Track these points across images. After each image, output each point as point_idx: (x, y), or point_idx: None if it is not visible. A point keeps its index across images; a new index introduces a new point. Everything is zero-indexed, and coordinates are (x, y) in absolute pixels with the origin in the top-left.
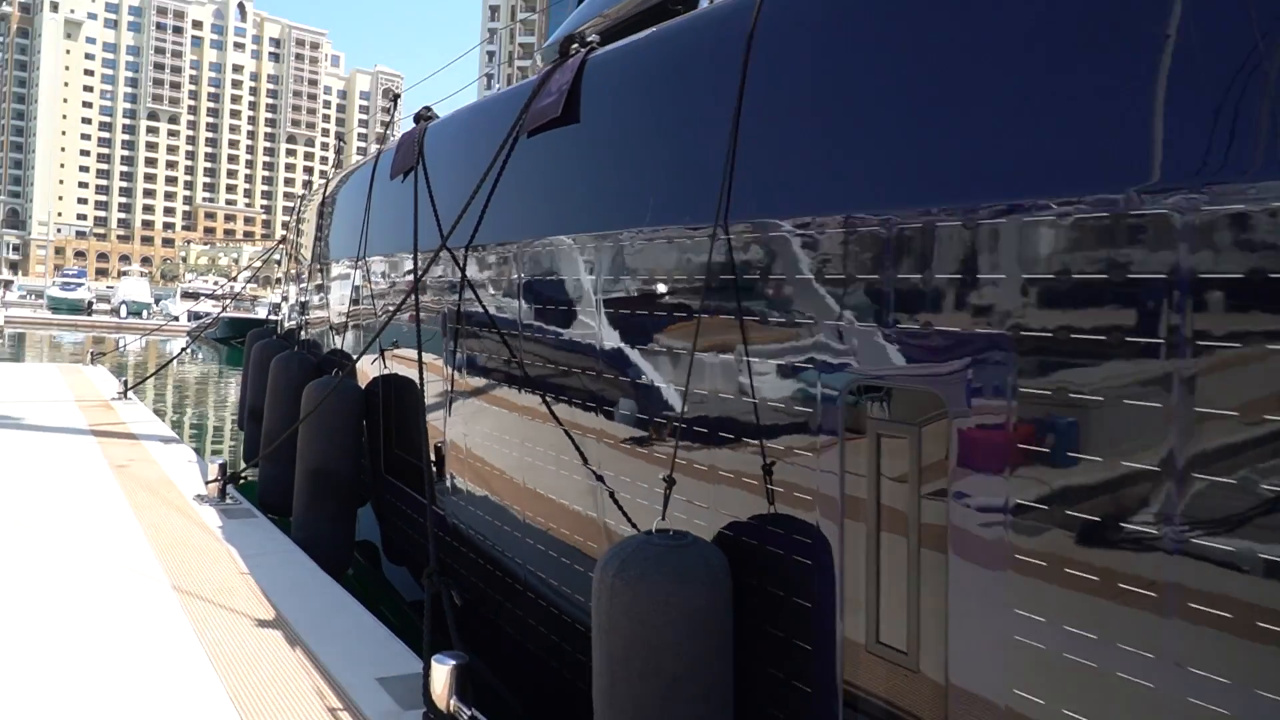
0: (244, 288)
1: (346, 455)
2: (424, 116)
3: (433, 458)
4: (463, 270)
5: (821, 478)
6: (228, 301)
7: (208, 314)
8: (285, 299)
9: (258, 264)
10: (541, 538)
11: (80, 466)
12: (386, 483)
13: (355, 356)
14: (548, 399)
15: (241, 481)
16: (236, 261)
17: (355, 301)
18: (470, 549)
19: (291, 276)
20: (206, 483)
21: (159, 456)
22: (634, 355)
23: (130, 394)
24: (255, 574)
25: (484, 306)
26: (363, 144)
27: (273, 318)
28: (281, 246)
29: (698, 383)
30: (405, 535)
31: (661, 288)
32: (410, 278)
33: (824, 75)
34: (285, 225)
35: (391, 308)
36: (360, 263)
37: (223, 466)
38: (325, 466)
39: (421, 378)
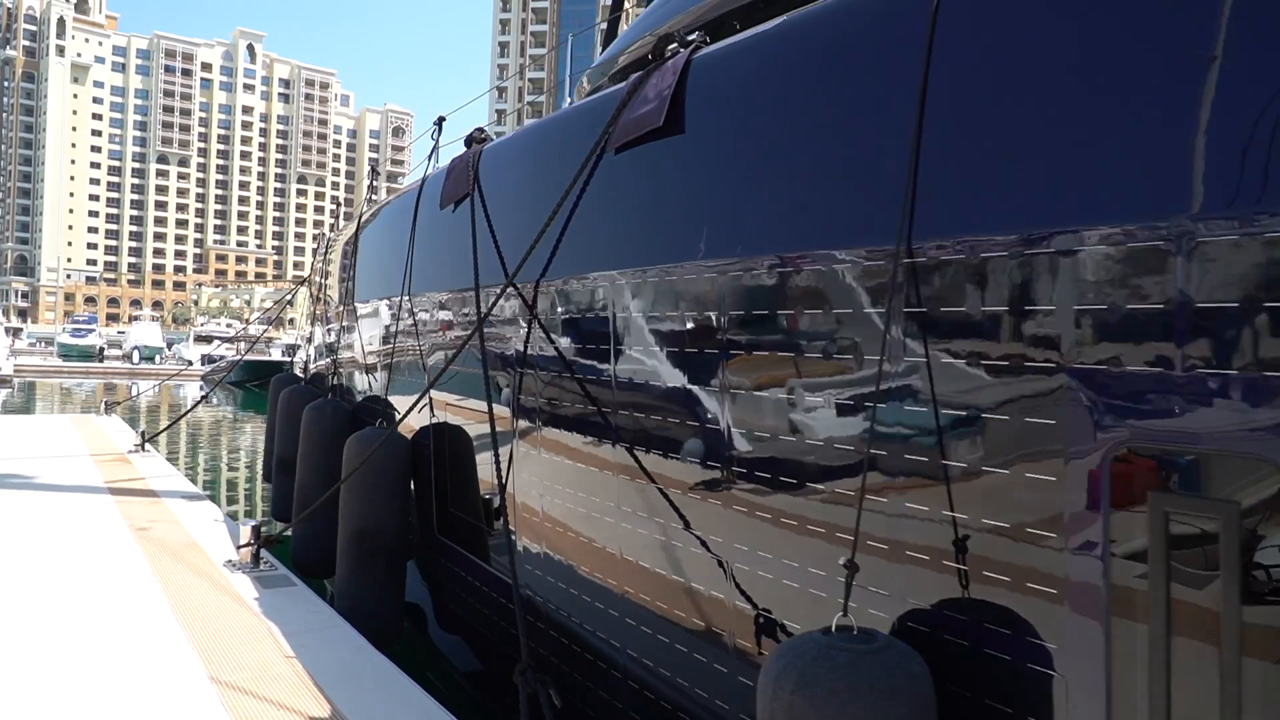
0: (260, 330)
1: (395, 514)
2: (477, 139)
3: (499, 518)
4: (532, 308)
5: (1074, 562)
6: (243, 344)
7: (222, 357)
8: (310, 341)
9: (277, 305)
10: (644, 616)
11: (97, 529)
12: (439, 544)
13: (405, 406)
14: (644, 455)
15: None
16: (248, 303)
17: (396, 343)
18: (548, 625)
19: (317, 317)
20: (238, 546)
21: (183, 516)
22: (776, 404)
23: (148, 445)
24: (301, 655)
25: (559, 349)
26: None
27: (290, 359)
28: (303, 287)
29: (884, 438)
30: (462, 602)
31: (814, 323)
32: (466, 316)
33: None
34: (311, 265)
35: (443, 349)
36: (402, 301)
37: (255, 529)
38: (372, 527)
39: (491, 428)
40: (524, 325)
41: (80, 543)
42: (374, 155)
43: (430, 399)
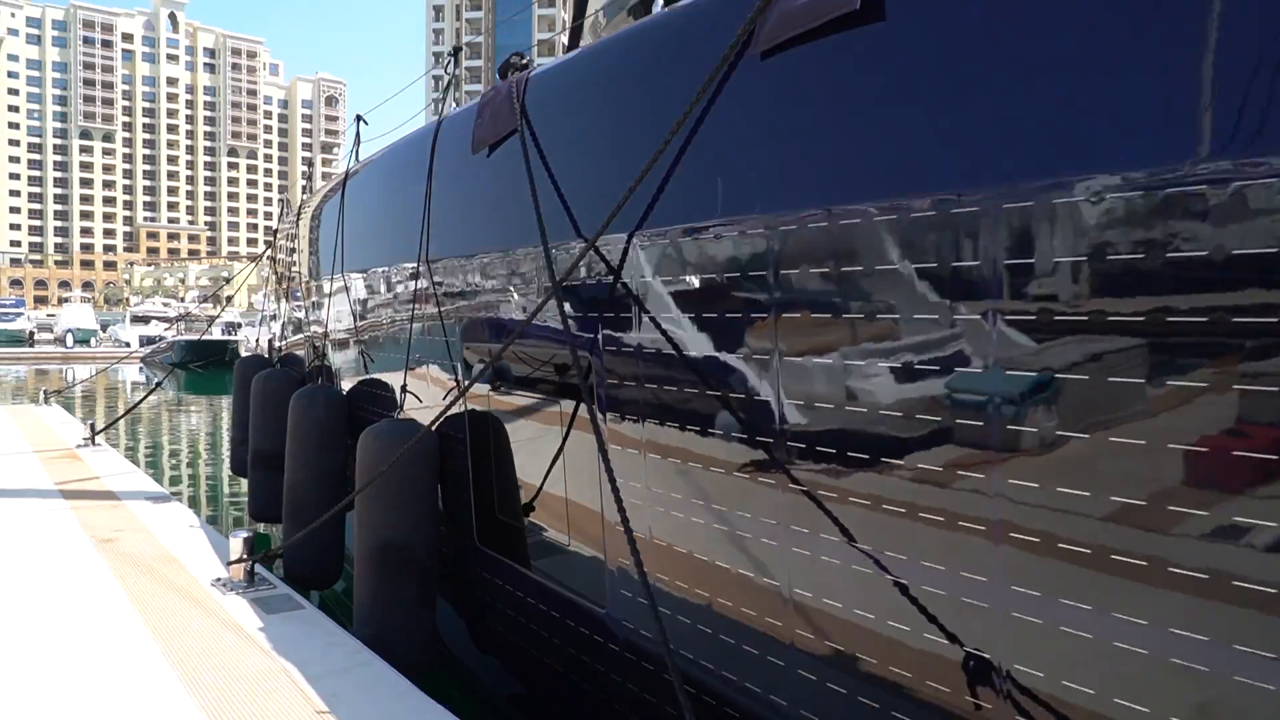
0: (204, 308)
1: (425, 522)
2: (516, 66)
3: (568, 528)
4: (617, 271)
5: None
6: (181, 324)
7: (161, 338)
8: (275, 319)
9: (232, 281)
10: (825, 673)
11: (53, 540)
12: (480, 555)
13: (425, 392)
14: (811, 464)
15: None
16: (183, 281)
17: (412, 318)
18: (640, 659)
19: (283, 293)
20: (228, 562)
21: (151, 522)
22: (1002, 387)
23: (98, 439)
24: (336, 709)
25: (657, 319)
26: (307, 153)
27: (233, 338)
28: (256, 261)
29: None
30: (509, 620)
31: (1069, 276)
32: (516, 282)
33: None
34: (271, 237)
35: (484, 323)
36: (419, 269)
37: (249, 541)
38: (399, 538)
39: (567, 424)
40: (601, 292)
41: (33, 559)
42: (307, 126)
43: (460, 382)
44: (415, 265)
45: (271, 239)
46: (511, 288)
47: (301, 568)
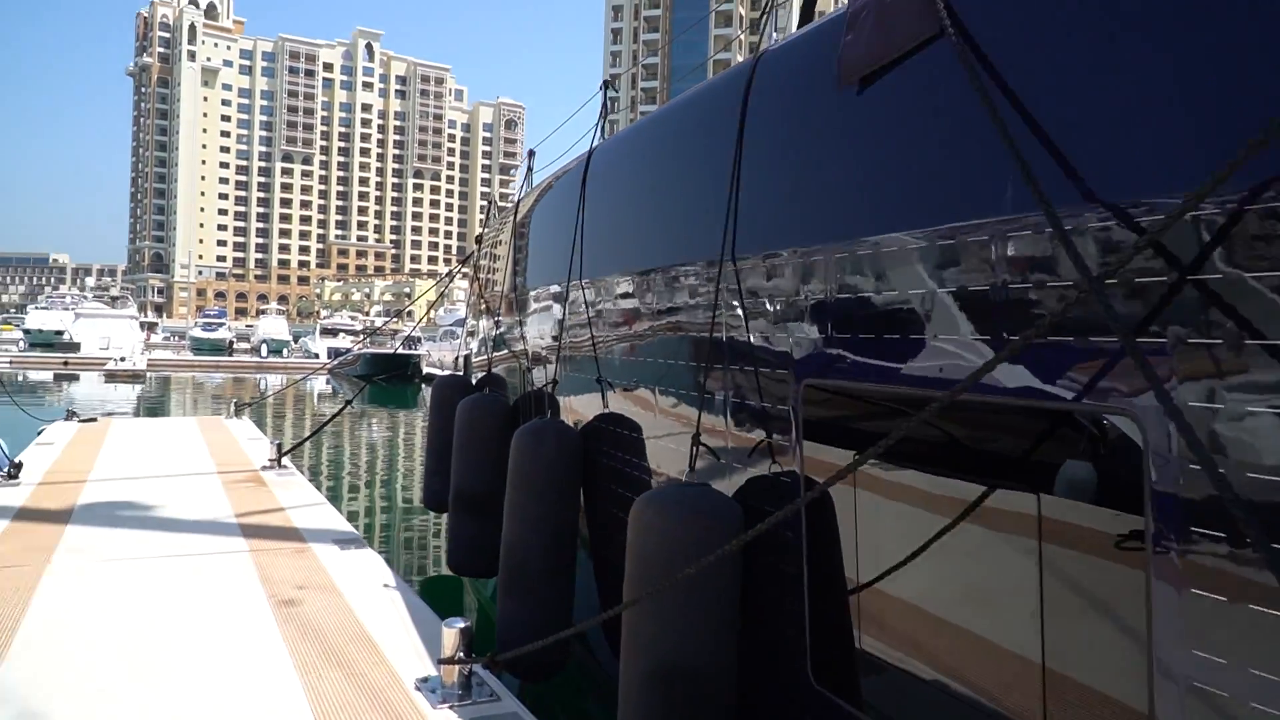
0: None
1: (725, 642)
2: None
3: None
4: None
5: None
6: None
7: (349, 350)
8: (474, 336)
9: (432, 295)
10: None
11: (227, 597)
12: (816, 698)
13: (771, 451)
14: None
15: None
16: (369, 296)
17: (701, 343)
18: None
19: (487, 308)
20: (439, 660)
21: (340, 575)
22: None
23: (285, 460)
24: None
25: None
26: (486, 174)
27: (413, 353)
28: (462, 272)
29: None
30: None
31: None
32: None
33: None
34: (464, 252)
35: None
36: (723, 268)
37: (466, 634)
38: (693, 665)
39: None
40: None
41: (201, 624)
42: (488, 148)
43: (797, 435)
44: (710, 262)
45: (477, 246)
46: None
47: (516, 646)
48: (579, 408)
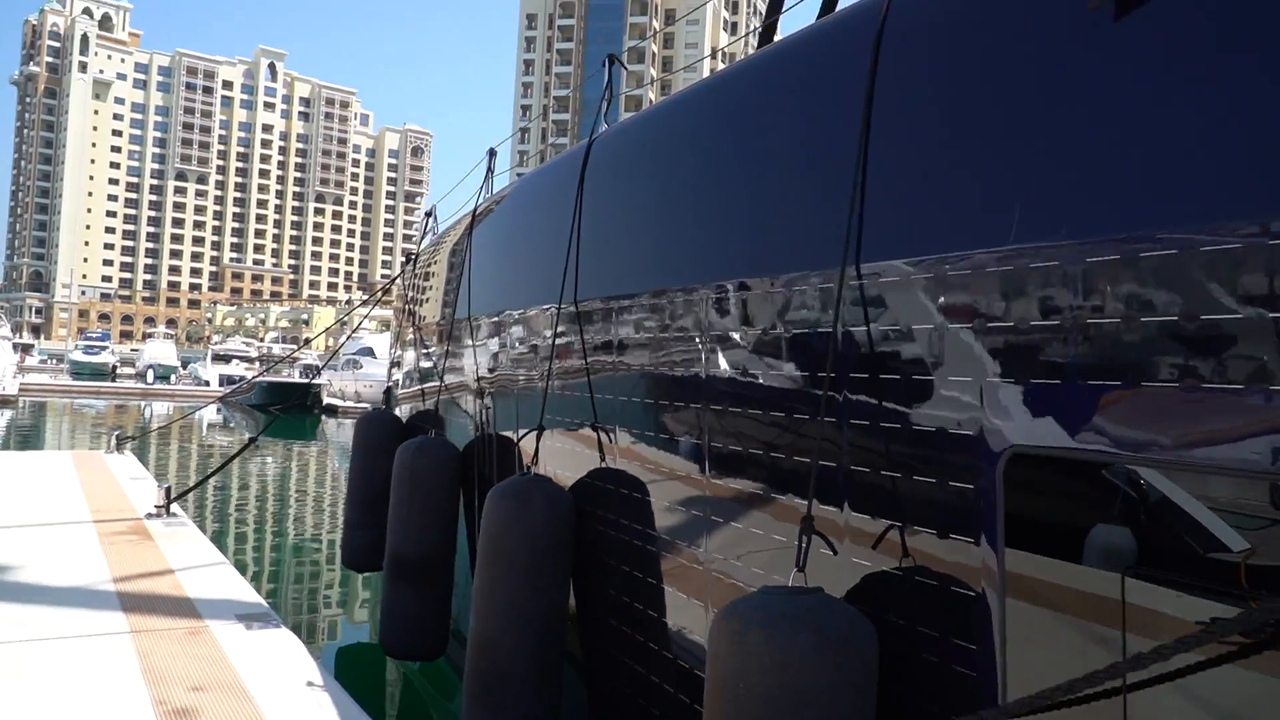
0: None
1: None
2: None
3: None
4: None
5: None
6: (262, 365)
7: (242, 378)
8: (399, 367)
9: (360, 320)
10: None
11: (99, 711)
12: None
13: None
14: None
15: None
16: (264, 322)
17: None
18: None
19: (411, 341)
20: None
21: (247, 668)
22: None
23: (174, 507)
24: None
25: None
26: (391, 201)
27: (310, 381)
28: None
29: None
30: None
31: None
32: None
33: None
34: (365, 280)
35: None
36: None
37: None
38: None
39: None
40: None
41: None
42: (393, 175)
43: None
44: (821, 274)
45: (405, 266)
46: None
47: None
48: (570, 463)
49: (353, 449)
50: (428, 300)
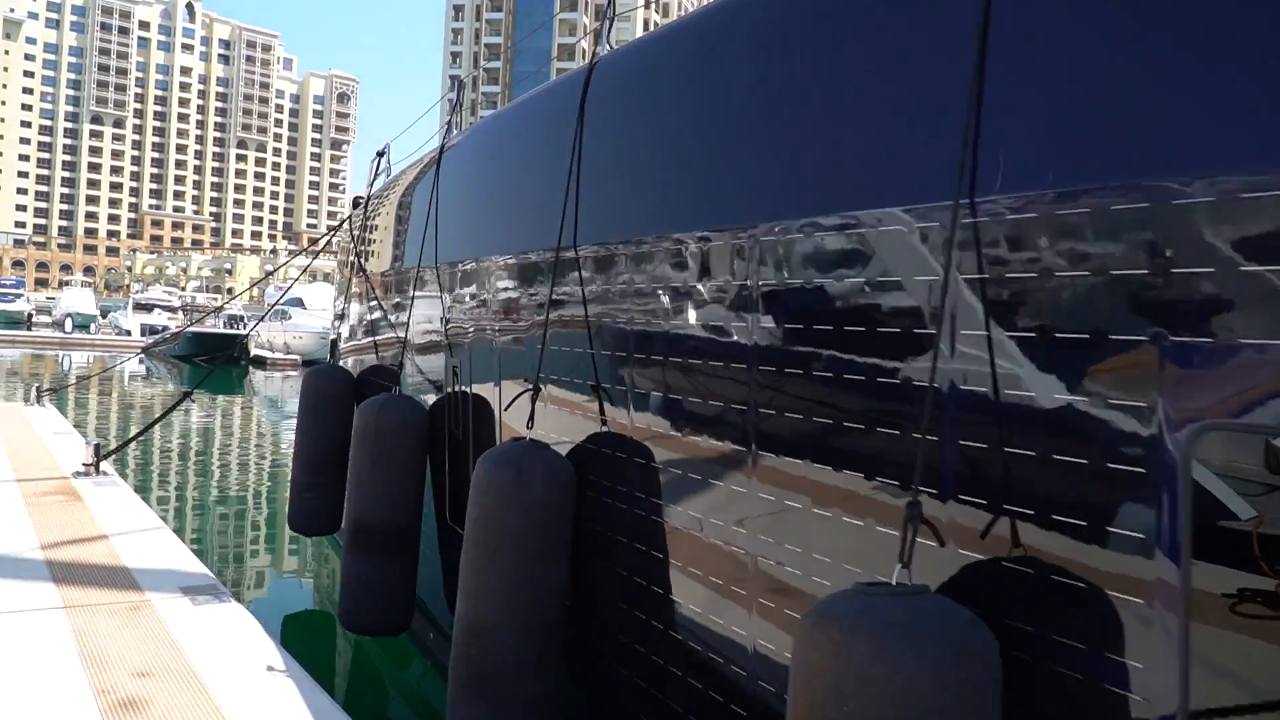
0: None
1: None
2: None
3: None
4: None
5: None
6: (185, 314)
7: (165, 328)
8: (346, 320)
9: (256, 272)
10: None
11: (35, 708)
12: None
13: None
14: None
15: None
16: (185, 271)
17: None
18: None
19: (359, 293)
20: None
21: (203, 655)
22: None
23: (104, 465)
24: None
25: None
26: (316, 149)
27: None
28: (332, 254)
29: None
30: None
31: None
32: None
33: None
34: (290, 229)
35: None
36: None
37: None
38: None
39: None
40: None
41: None
42: (318, 121)
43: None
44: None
45: (353, 211)
46: None
47: None
48: (567, 428)
49: (300, 406)
50: (382, 247)
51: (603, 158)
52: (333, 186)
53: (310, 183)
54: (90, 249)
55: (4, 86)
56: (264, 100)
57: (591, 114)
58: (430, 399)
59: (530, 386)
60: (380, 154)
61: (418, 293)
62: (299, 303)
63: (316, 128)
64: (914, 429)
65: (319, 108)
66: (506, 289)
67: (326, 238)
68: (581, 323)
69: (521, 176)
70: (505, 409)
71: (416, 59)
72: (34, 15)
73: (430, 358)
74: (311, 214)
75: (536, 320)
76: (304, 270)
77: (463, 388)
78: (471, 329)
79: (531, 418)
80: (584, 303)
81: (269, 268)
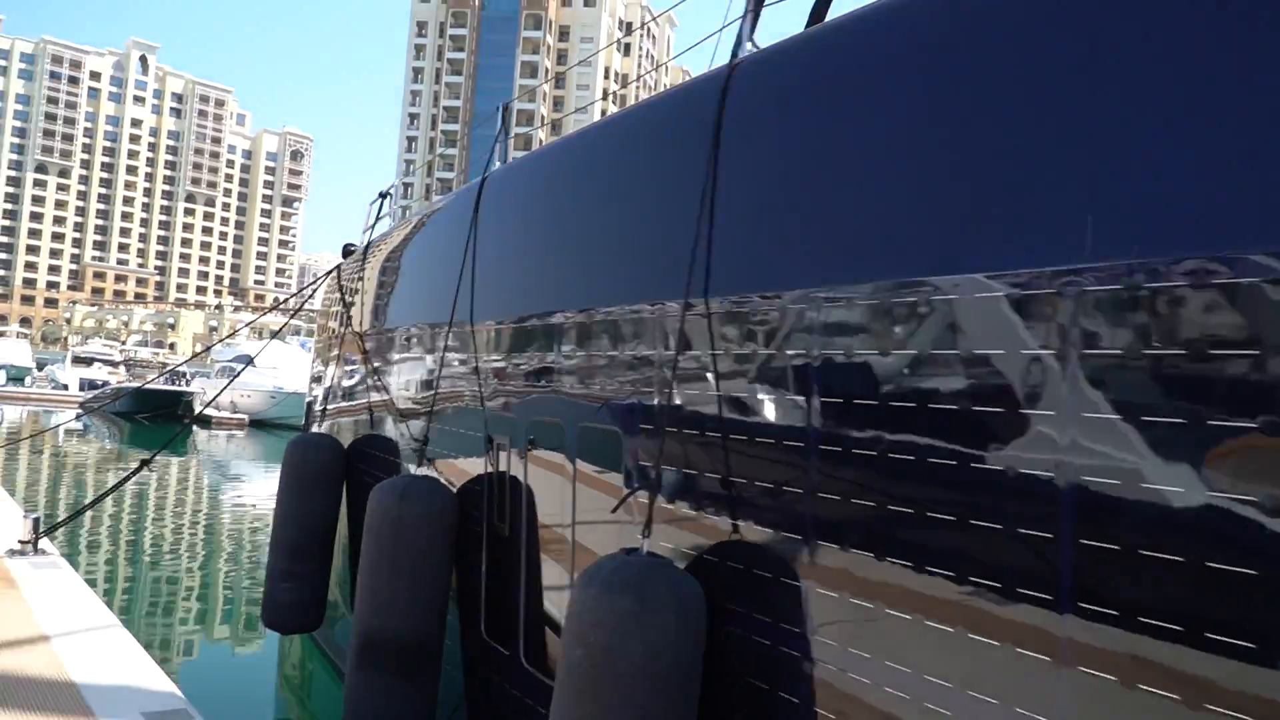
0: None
1: None
2: None
3: None
4: None
5: None
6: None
7: (105, 383)
8: (334, 385)
9: (279, 325)
10: None
11: None
12: None
13: None
14: None
15: None
16: (126, 324)
17: None
18: None
19: (340, 357)
20: None
21: None
22: None
23: (43, 542)
24: None
25: None
26: (267, 205)
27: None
28: (312, 312)
29: None
30: None
31: None
32: None
33: None
34: (237, 285)
35: None
36: None
37: None
38: None
39: None
40: None
41: None
42: (269, 178)
43: None
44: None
45: (339, 270)
46: None
47: None
48: (695, 535)
49: (281, 481)
50: (386, 300)
51: (737, 199)
52: (282, 244)
53: (259, 239)
54: (28, 299)
55: None
56: (215, 155)
57: (725, 142)
58: (458, 482)
59: (640, 483)
60: (384, 195)
61: (442, 355)
62: (247, 359)
63: (268, 184)
64: None
65: (271, 164)
66: (597, 348)
67: (313, 287)
68: (711, 393)
69: (620, 212)
70: (614, 510)
71: (373, 118)
72: None
73: (459, 431)
74: (260, 270)
75: (643, 388)
76: (282, 328)
77: (511, 470)
78: (532, 396)
79: (648, 524)
80: (714, 365)
81: (240, 323)
